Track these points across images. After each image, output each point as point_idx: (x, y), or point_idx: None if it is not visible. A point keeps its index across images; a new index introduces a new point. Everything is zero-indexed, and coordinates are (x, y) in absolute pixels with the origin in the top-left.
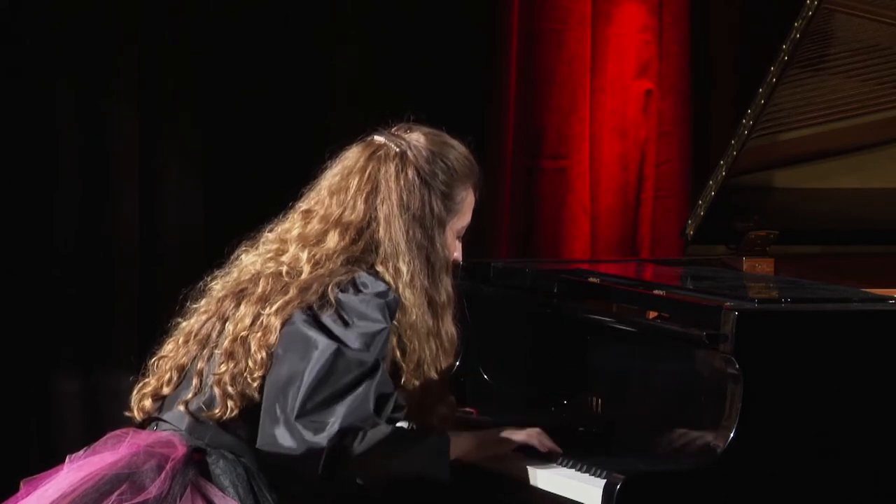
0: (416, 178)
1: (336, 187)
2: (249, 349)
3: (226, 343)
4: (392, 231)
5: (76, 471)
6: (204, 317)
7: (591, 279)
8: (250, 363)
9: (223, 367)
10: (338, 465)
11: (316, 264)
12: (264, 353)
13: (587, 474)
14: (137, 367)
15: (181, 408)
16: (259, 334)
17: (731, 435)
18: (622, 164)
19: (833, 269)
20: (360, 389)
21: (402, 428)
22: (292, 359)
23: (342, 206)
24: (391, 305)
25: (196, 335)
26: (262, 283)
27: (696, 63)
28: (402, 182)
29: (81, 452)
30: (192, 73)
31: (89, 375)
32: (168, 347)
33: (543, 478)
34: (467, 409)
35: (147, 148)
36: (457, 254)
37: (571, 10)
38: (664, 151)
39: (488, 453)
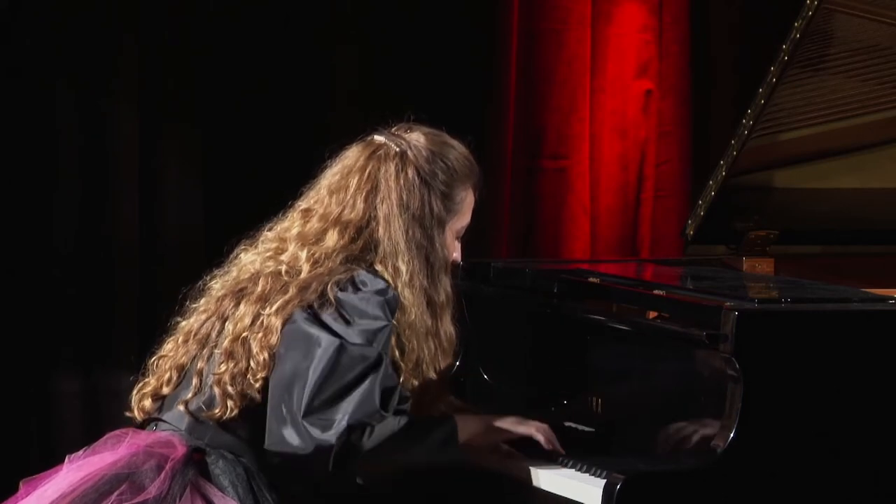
0: (415, 178)
1: (336, 186)
2: (250, 350)
3: (226, 342)
4: (391, 230)
5: (76, 471)
6: (203, 316)
7: (591, 279)
8: (252, 364)
9: (223, 367)
10: (348, 461)
11: (315, 263)
12: (266, 355)
13: (587, 474)
14: (137, 366)
15: (181, 408)
16: (260, 335)
17: (731, 435)
18: (622, 164)
19: (833, 269)
20: (366, 384)
21: (408, 418)
22: (295, 357)
23: (342, 205)
24: (391, 303)
25: (196, 334)
26: (261, 283)
27: (696, 63)
28: (401, 181)
29: (81, 452)
30: (192, 73)
31: (89, 375)
32: (168, 347)
33: (544, 478)
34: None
35: (147, 148)
36: (456, 254)
37: (571, 10)
38: (664, 151)
39: (495, 437)
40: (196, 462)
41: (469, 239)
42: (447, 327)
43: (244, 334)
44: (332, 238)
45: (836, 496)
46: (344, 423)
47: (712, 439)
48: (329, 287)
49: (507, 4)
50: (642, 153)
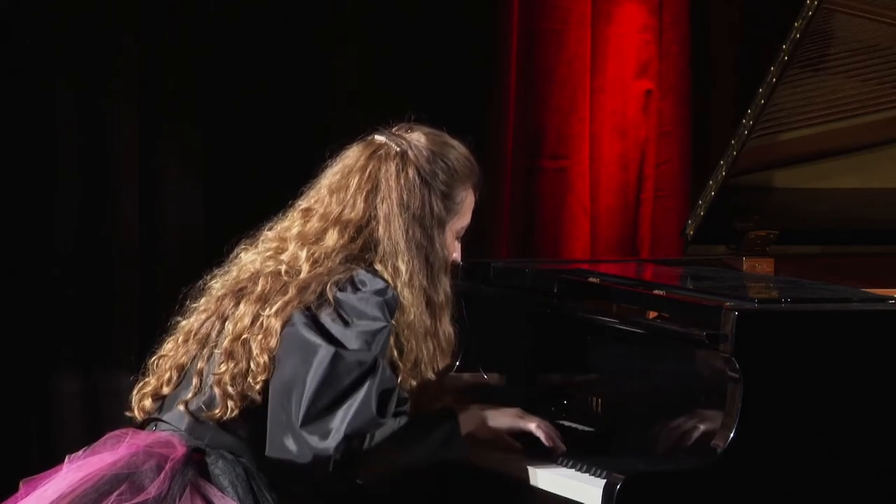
0: (416, 178)
1: (336, 186)
2: (250, 351)
3: (226, 342)
4: (391, 230)
5: (75, 471)
6: (203, 316)
7: (591, 279)
8: (252, 366)
9: (223, 367)
10: (347, 468)
11: (315, 263)
12: (266, 358)
13: (587, 474)
14: (137, 366)
15: (181, 408)
16: (260, 337)
17: (731, 435)
18: (622, 164)
19: (833, 269)
20: (363, 391)
21: (407, 419)
22: (294, 363)
23: (342, 205)
24: (390, 303)
25: (196, 334)
26: (261, 282)
27: (696, 63)
28: (402, 181)
29: (81, 453)
30: (192, 73)
31: (89, 375)
32: (168, 346)
33: (543, 478)
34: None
35: (147, 148)
36: (456, 254)
37: (571, 10)
38: (664, 151)
39: (497, 430)
40: (196, 462)
41: (469, 239)
42: (446, 328)
43: (244, 335)
44: (332, 237)
45: (836, 496)
46: (342, 432)
47: (712, 439)
48: (328, 287)
49: (507, 4)
50: (642, 153)
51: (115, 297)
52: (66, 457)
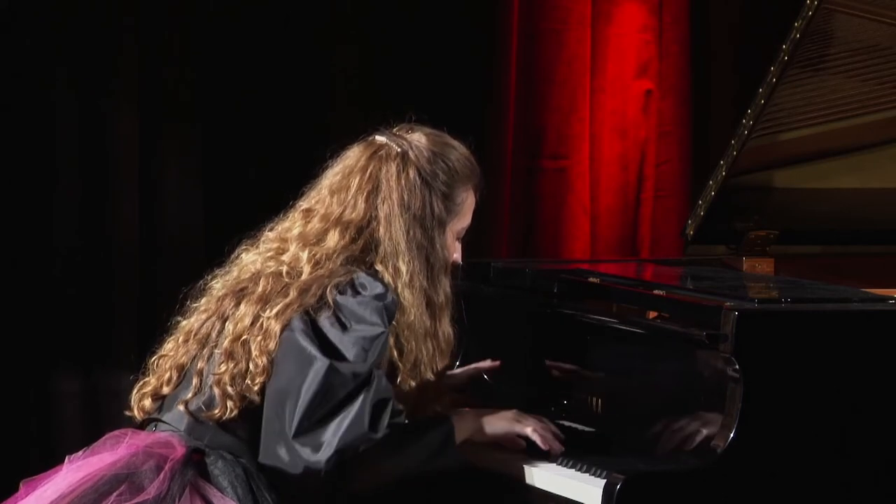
0: (417, 179)
1: (337, 186)
2: (250, 352)
3: (226, 343)
4: (392, 230)
5: (75, 471)
6: (204, 315)
7: (591, 279)
8: (251, 367)
9: (223, 368)
10: (339, 480)
11: (316, 264)
12: (265, 360)
13: (587, 474)
14: (137, 366)
15: (181, 408)
16: (259, 338)
17: (731, 435)
18: (622, 164)
19: (833, 269)
20: (357, 404)
21: (401, 431)
22: (290, 371)
23: (343, 205)
24: (389, 308)
25: (196, 334)
26: (262, 283)
27: (696, 63)
28: (402, 182)
29: (80, 453)
30: (192, 73)
31: (89, 375)
32: (168, 346)
33: (543, 478)
34: (466, 410)
35: (147, 148)
36: (456, 255)
37: (571, 10)
38: (664, 151)
39: (497, 432)
40: (195, 462)
41: (469, 239)
42: (446, 328)
43: (244, 335)
44: (333, 238)
45: (836, 496)
46: (333, 446)
47: (712, 439)
48: (328, 290)
49: (507, 4)
50: (642, 153)
51: (115, 297)
52: (66, 457)
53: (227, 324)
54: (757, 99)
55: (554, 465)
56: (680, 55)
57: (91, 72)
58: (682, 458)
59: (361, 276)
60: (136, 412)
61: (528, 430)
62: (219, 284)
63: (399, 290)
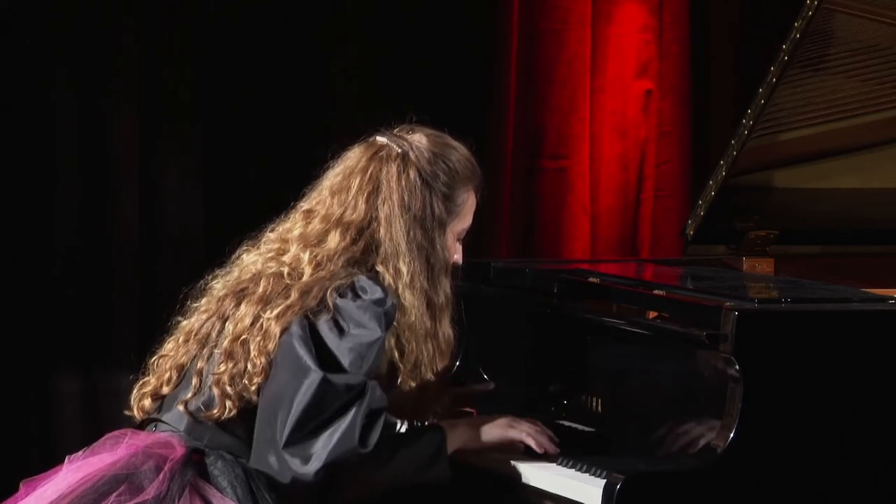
0: (417, 179)
1: (337, 187)
2: (249, 352)
3: (225, 343)
4: (393, 231)
5: (75, 472)
6: (204, 316)
7: (591, 279)
8: (249, 367)
9: (222, 367)
10: (328, 491)
11: (317, 265)
12: (264, 360)
13: (587, 474)
14: (137, 366)
15: (180, 408)
16: (259, 339)
17: (731, 435)
18: (622, 164)
19: (833, 269)
20: (348, 418)
21: (391, 445)
22: (284, 378)
23: (343, 206)
24: (388, 313)
25: (196, 334)
26: (262, 283)
27: (696, 63)
28: (403, 183)
29: (80, 453)
30: (192, 73)
31: (89, 375)
32: (168, 346)
33: (543, 478)
34: (467, 410)
35: (147, 148)
36: (457, 256)
37: (571, 10)
38: (664, 151)
39: (490, 441)
40: (195, 463)
41: (469, 239)
42: (446, 329)
43: (244, 335)
44: (333, 239)
45: (836, 496)
46: (322, 459)
47: (712, 439)
48: (329, 293)
49: (507, 4)
50: (642, 153)
51: (115, 297)
52: (66, 457)
53: (227, 324)
54: (757, 99)
55: (554, 465)
56: (680, 55)
57: (91, 72)
58: (682, 458)
59: (362, 280)
60: (135, 412)
61: (522, 436)
62: (219, 285)
63: (400, 290)
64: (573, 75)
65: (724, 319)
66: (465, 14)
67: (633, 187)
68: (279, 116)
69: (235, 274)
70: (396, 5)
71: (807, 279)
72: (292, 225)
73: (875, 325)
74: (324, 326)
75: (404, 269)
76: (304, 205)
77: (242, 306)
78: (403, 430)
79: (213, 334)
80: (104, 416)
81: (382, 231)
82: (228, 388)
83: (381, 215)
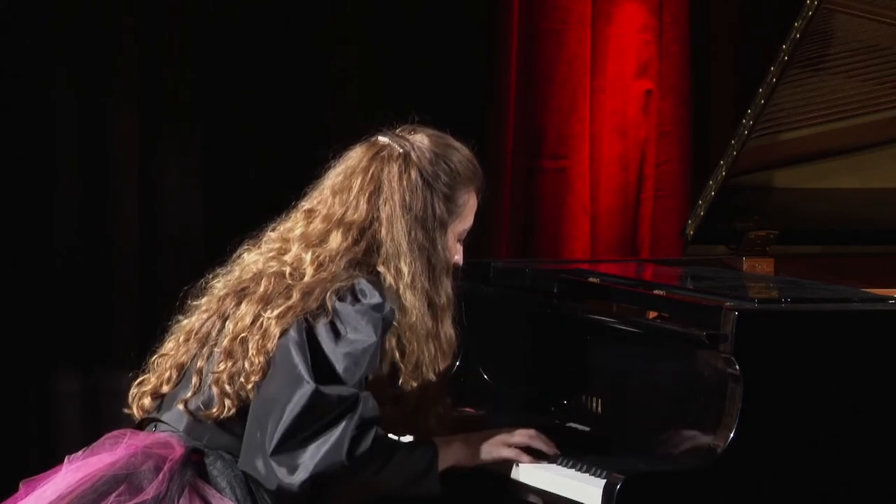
0: (418, 180)
1: (339, 187)
2: (248, 350)
3: (225, 342)
4: (394, 231)
5: (74, 472)
6: (205, 315)
7: (591, 279)
8: (247, 366)
9: (222, 366)
10: (314, 499)
11: (319, 266)
12: (262, 359)
13: (587, 474)
14: (137, 365)
15: (180, 407)
16: (258, 338)
17: (731, 435)
18: (622, 164)
19: (833, 269)
20: (338, 430)
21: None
22: (279, 382)
23: (345, 206)
24: (386, 319)
25: (196, 333)
26: (263, 283)
27: (696, 63)
28: (404, 183)
29: (80, 453)
30: (192, 73)
31: (89, 375)
32: (168, 346)
33: (543, 478)
34: (467, 410)
35: (147, 148)
36: (457, 257)
37: (571, 10)
38: (664, 151)
39: (484, 459)
40: (194, 463)
41: (469, 240)
42: (447, 329)
43: (244, 334)
44: (335, 240)
45: (836, 496)
46: (308, 470)
47: (712, 439)
48: (328, 296)
49: (507, 4)
50: (642, 153)
51: (115, 297)
52: (66, 457)
53: (227, 323)
54: (757, 99)
55: (554, 465)
56: (680, 55)
57: (91, 72)
58: (682, 458)
59: (362, 283)
60: (134, 410)
61: (514, 454)
62: (220, 284)
63: (401, 291)
64: (573, 75)
65: (724, 319)
66: (465, 14)
67: (633, 187)
68: (279, 116)
69: (236, 273)
70: (396, 5)
71: (807, 279)
72: (293, 224)
73: (875, 325)
74: (321, 330)
75: (405, 269)
76: (306, 204)
77: (243, 305)
78: (398, 441)
79: (214, 333)
80: (104, 416)
81: (384, 231)
82: (227, 387)
83: (383, 215)
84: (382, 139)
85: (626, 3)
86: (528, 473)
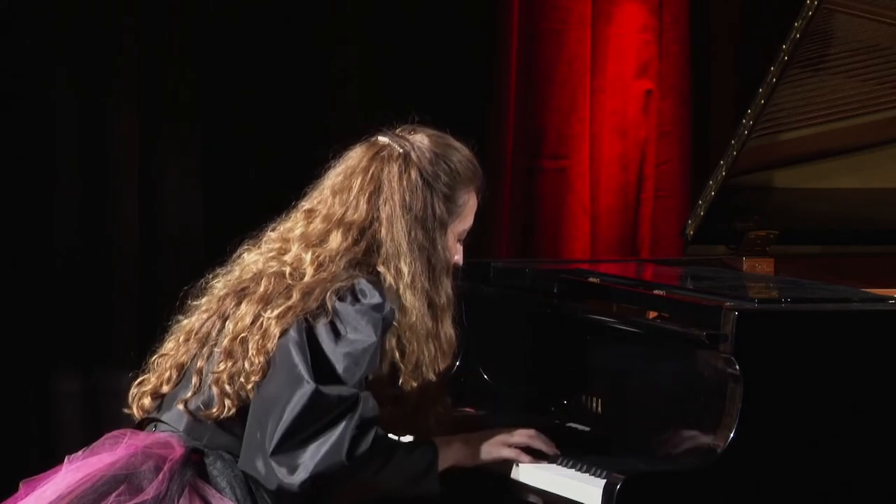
0: (418, 180)
1: (339, 187)
2: (248, 350)
3: (225, 342)
4: (394, 231)
5: (74, 472)
6: (205, 315)
7: (591, 279)
8: (247, 365)
9: (221, 366)
10: (313, 498)
11: (319, 266)
12: (262, 359)
13: (587, 474)
14: (137, 365)
15: (180, 407)
16: (258, 337)
17: (731, 435)
18: (622, 164)
19: (833, 269)
20: (338, 431)
21: (381, 460)
22: (279, 383)
23: (345, 206)
24: (386, 319)
25: (196, 333)
26: (263, 283)
27: (696, 63)
28: (404, 183)
29: (80, 453)
30: (192, 73)
31: (89, 375)
32: (169, 346)
33: (543, 478)
34: (466, 409)
35: (147, 148)
36: (457, 257)
37: (571, 10)
38: (664, 151)
39: (484, 459)
40: (194, 463)
41: (469, 239)
42: (447, 329)
43: (244, 334)
44: (335, 240)
45: (836, 496)
46: (308, 471)
47: (712, 439)
48: (329, 296)
49: (507, 4)
50: (642, 153)
51: (115, 297)
52: (66, 457)
53: (227, 323)
54: (757, 99)
55: (554, 465)
56: (680, 55)
57: (91, 72)
58: (682, 458)
59: (362, 283)
60: (134, 410)
61: (514, 455)
62: (220, 284)
63: (401, 291)
64: (573, 75)
65: (724, 319)
66: (465, 14)
67: (633, 187)
68: (279, 116)
69: (236, 273)
70: (396, 5)
71: (807, 279)
72: (293, 224)
73: (875, 325)
74: (321, 330)
75: (405, 269)
76: (306, 204)
77: (243, 305)
78: (398, 441)
79: (214, 333)
80: (104, 416)
81: (384, 231)
82: (227, 387)
83: (383, 215)
84: (382, 139)
85: (626, 3)
86: (528, 473)
